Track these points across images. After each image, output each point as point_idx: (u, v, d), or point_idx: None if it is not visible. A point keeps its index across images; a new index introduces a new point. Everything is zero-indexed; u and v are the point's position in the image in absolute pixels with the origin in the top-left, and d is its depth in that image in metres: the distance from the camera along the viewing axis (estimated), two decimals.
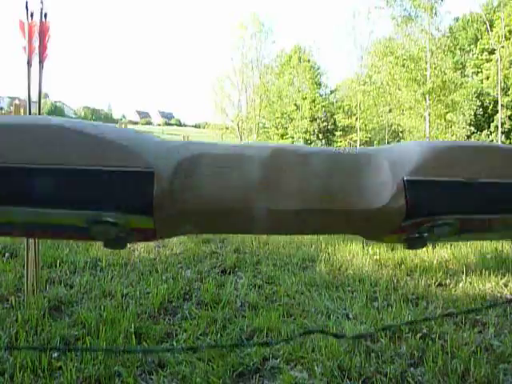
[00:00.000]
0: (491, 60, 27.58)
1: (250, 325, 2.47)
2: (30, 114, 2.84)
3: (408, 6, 20.93)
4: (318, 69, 35.83)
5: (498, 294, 3.14)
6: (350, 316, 2.68)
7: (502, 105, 23.26)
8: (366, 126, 27.49)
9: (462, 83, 21.82)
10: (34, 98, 2.78)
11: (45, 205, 0.52)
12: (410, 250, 4.44)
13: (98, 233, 0.54)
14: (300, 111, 33.36)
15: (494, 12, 26.08)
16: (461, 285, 3.33)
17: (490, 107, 28.99)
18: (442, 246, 4.73)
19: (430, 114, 20.53)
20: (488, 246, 4.73)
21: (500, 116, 22.72)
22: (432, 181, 0.59)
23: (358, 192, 0.59)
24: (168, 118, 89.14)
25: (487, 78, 28.75)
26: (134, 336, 2.25)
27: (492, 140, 26.03)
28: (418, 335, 2.36)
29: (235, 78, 33.95)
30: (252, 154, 0.58)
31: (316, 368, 2.02)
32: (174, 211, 0.55)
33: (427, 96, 20.33)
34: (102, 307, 2.65)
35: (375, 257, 4.22)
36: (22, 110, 3.22)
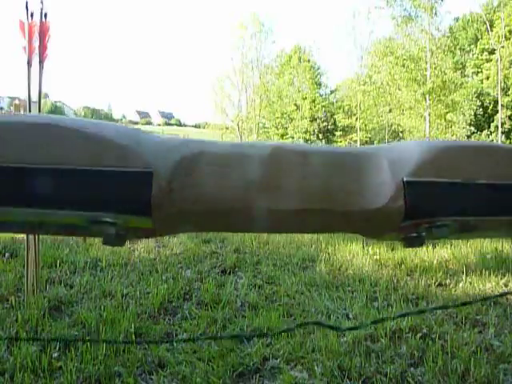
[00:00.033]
0: (491, 60, 27.59)
1: (250, 325, 2.47)
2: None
3: (408, 6, 20.93)
4: (318, 69, 35.82)
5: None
6: (350, 316, 2.68)
7: (502, 105, 23.24)
8: (366, 125, 27.48)
9: (462, 83, 21.83)
10: (34, 98, 2.79)
11: (43, 206, 0.52)
12: (411, 250, 4.44)
13: (97, 232, 0.54)
14: (300, 111, 33.34)
15: (494, 12, 26.07)
16: (461, 285, 3.33)
17: (490, 107, 28.99)
18: (442, 245, 4.73)
19: (430, 114, 20.54)
20: (488, 246, 4.73)
21: (500, 116, 22.71)
22: (431, 182, 0.59)
23: (358, 192, 0.58)
24: (168, 118, 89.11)
25: (487, 78, 28.75)
26: (134, 336, 2.25)
27: (492, 140, 26.01)
28: (418, 335, 2.36)
29: (235, 77, 33.93)
30: (252, 153, 0.58)
31: (316, 368, 2.02)
32: (173, 211, 0.55)
33: (427, 96, 20.33)
34: (102, 307, 2.65)
35: (375, 257, 4.22)
36: (21, 110, 3.22)
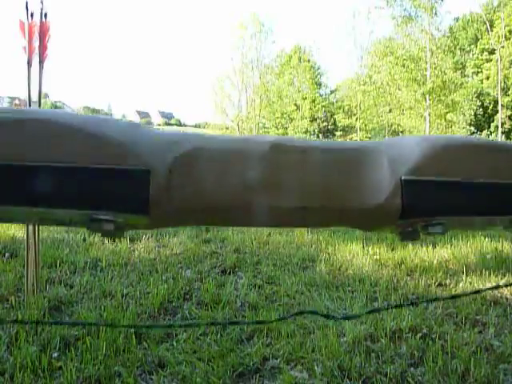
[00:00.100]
0: (491, 60, 27.59)
1: (250, 325, 2.47)
2: None
3: (408, 6, 20.94)
4: (318, 69, 35.83)
5: (498, 294, 3.14)
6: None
7: (501, 105, 23.25)
8: (365, 125, 27.48)
9: (462, 83, 21.82)
10: (34, 97, 2.78)
11: (40, 204, 0.52)
12: (411, 250, 4.45)
13: (96, 228, 0.54)
14: (300, 111, 33.33)
15: (494, 12, 26.07)
16: (461, 285, 3.33)
17: (490, 107, 29.00)
18: (442, 246, 4.73)
19: (430, 114, 20.55)
20: (488, 246, 4.74)
21: (500, 116, 22.72)
22: (429, 181, 0.59)
23: (356, 189, 0.59)
24: (168, 118, 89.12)
25: (487, 78, 28.76)
26: (133, 336, 2.25)
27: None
28: (418, 335, 2.36)
29: (235, 77, 33.93)
30: (251, 149, 0.58)
31: (316, 368, 2.02)
32: (171, 209, 0.54)
33: (427, 96, 20.34)
34: (102, 307, 2.65)
35: (375, 257, 4.22)
36: None
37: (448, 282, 3.44)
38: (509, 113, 27.24)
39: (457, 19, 31.93)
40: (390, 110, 23.50)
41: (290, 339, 2.30)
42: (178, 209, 0.55)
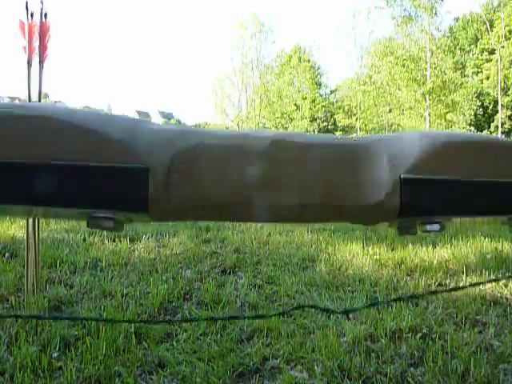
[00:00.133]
0: (491, 60, 27.60)
1: (250, 325, 2.47)
2: None
3: (408, 6, 20.95)
4: (318, 69, 35.84)
5: (498, 294, 3.14)
6: (350, 316, 2.68)
7: (501, 105, 23.27)
8: (366, 126, 27.49)
9: (462, 83, 21.83)
10: (34, 97, 2.78)
11: (40, 203, 0.52)
12: (411, 250, 4.45)
13: (96, 225, 0.54)
14: (300, 111, 33.36)
15: (494, 12, 26.08)
16: (461, 285, 3.33)
17: (490, 107, 29.00)
18: (442, 246, 4.73)
19: (430, 114, 20.56)
20: (488, 246, 4.74)
21: (500, 116, 22.74)
22: (429, 179, 0.59)
23: (355, 187, 0.58)
24: (168, 118, 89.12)
25: (487, 78, 28.76)
26: (133, 336, 2.25)
27: None
28: (418, 335, 2.36)
29: (235, 77, 33.96)
30: (251, 145, 0.57)
31: (316, 368, 2.02)
32: (171, 206, 0.54)
33: (427, 96, 20.35)
34: (102, 307, 2.65)
35: (375, 257, 4.22)
36: None
37: (448, 281, 3.44)
38: (509, 113, 27.24)
39: (457, 19, 31.94)
40: (390, 110, 23.51)
41: (290, 339, 2.30)
42: (178, 206, 0.55)
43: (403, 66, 20.67)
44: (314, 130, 33.46)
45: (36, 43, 2.71)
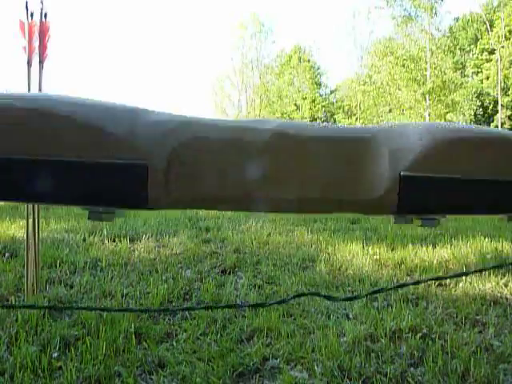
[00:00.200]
0: (491, 60, 27.60)
1: (250, 325, 2.47)
2: None
3: (408, 6, 20.96)
4: (318, 69, 35.85)
5: (498, 294, 3.14)
6: (350, 316, 2.68)
7: (501, 105, 23.27)
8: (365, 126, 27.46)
9: (462, 83, 21.84)
10: None
11: (40, 201, 0.52)
12: (411, 250, 4.45)
13: (97, 218, 0.54)
14: (300, 111, 33.35)
15: (494, 12, 26.08)
16: (461, 285, 3.33)
17: (490, 107, 29.00)
18: (442, 246, 4.73)
19: (429, 114, 20.56)
20: (488, 246, 4.74)
21: (500, 116, 22.74)
22: (428, 177, 0.59)
23: (354, 182, 0.58)
24: None
25: (487, 78, 28.77)
26: (133, 336, 2.25)
27: None
28: (418, 335, 2.36)
29: (235, 78, 33.97)
30: (251, 138, 0.57)
31: (316, 368, 2.02)
32: (170, 200, 0.54)
33: (427, 96, 20.36)
34: (102, 307, 2.65)
35: (375, 257, 4.22)
36: None
37: (448, 281, 3.44)
38: (509, 113, 27.25)
39: (457, 19, 31.95)
40: (390, 110, 23.51)
41: (290, 339, 2.30)
42: (178, 199, 0.54)
43: (403, 66, 20.67)
44: None
45: (36, 43, 2.71)
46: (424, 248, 4.57)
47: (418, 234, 5.36)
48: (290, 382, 1.92)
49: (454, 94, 20.53)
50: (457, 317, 2.69)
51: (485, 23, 25.92)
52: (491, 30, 25.16)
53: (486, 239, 5.06)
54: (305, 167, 0.57)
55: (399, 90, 21.35)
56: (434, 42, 20.82)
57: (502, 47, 22.75)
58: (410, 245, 4.72)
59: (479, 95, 28.36)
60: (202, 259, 4.00)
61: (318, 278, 3.45)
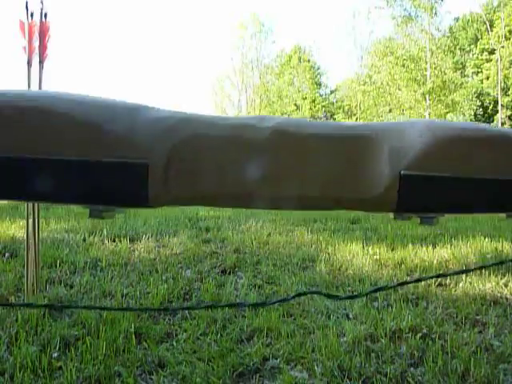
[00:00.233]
0: (491, 60, 27.60)
1: (250, 325, 2.47)
2: None
3: (408, 6, 20.96)
4: (318, 69, 35.85)
5: (498, 294, 3.14)
6: (350, 316, 2.68)
7: (501, 105, 23.27)
8: None
9: (462, 83, 21.84)
10: None
11: (40, 200, 0.52)
12: (411, 250, 4.44)
13: (97, 216, 0.54)
14: (300, 111, 33.34)
15: (494, 12, 26.08)
16: (461, 285, 3.33)
17: (490, 107, 28.99)
18: (442, 246, 4.73)
19: (430, 114, 20.55)
20: (488, 246, 4.74)
21: (500, 116, 22.74)
22: (428, 176, 0.59)
23: (354, 180, 0.58)
24: None
25: (487, 78, 28.76)
26: (133, 336, 2.25)
27: None
28: (418, 335, 2.36)
29: (235, 78, 33.97)
30: (251, 135, 0.56)
31: (316, 368, 2.02)
32: (171, 198, 0.54)
33: (427, 96, 20.36)
34: (102, 306, 2.65)
35: (375, 257, 4.22)
36: None
37: (448, 281, 3.44)
38: (509, 113, 27.24)
39: (457, 19, 31.95)
40: (390, 110, 23.51)
41: (290, 339, 2.30)
42: (178, 196, 0.54)
43: (403, 66, 20.67)
44: None
45: (36, 43, 2.71)
46: (424, 248, 4.57)
47: (418, 234, 5.36)
48: (290, 382, 1.92)
49: (454, 94, 20.52)
50: (457, 317, 2.69)
51: (485, 23, 25.92)
52: (491, 30, 25.16)
53: (486, 239, 5.06)
54: (305, 164, 0.57)
55: (399, 90, 21.35)
56: (434, 42, 20.83)
57: (502, 47, 22.75)
58: (410, 245, 4.72)
59: (479, 95, 28.35)
60: (202, 259, 4.00)
61: (318, 278, 3.45)
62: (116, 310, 2.30)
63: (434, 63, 20.53)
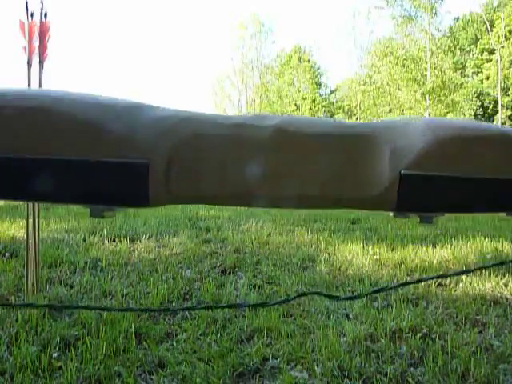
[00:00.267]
0: (491, 60, 27.59)
1: (250, 325, 2.47)
2: None
3: (408, 6, 20.96)
4: (318, 69, 35.84)
5: (498, 294, 3.14)
6: (350, 316, 2.68)
7: (501, 105, 23.28)
8: None
9: (462, 83, 21.84)
10: None
11: (40, 199, 0.52)
12: (411, 250, 4.44)
13: (98, 215, 0.54)
14: (300, 111, 33.33)
15: (494, 12, 26.07)
16: (461, 285, 3.33)
17: (490, 107, 28.98)
18: (442, 246, 4.73)
19: (430, 114, 20.55)
20: (488, 246, 4.74)
21: (500, 116, 22.74)
22: (429, 176, 0.58)
23: (355, 179, 0.58)
24: None
25: (487, 78, 28.76)
26: (133, 336, 2.25)
27: None
28: (418, 335, 2.36)
29: (235, 78, 33.98)
30: (251, 134, 0.56)
31: (316, 368, 2.02)
32: (171, 197, 0.54)
33: (427, 96, 20.36)
34: (102, 306, 2.65)
35: (375, 257, 4.22)
36: None
37: (448, 281, 3.44)
38: (509, 113, 27.23)
39: (457, 19, 31.94)
40: (390, 110, 23.50)
41: (290, 339, 2.30)
42: (178, 196, 0.54)
43: (403, 65, 20.67)
44: None
45: (36, 43, 2.71)
46: (424, 248, 4.57)
47: (418, 234, 5.36)
48: (290, 382, 1.92)
49: (454, 94, 20.52)
50: (457, 317, 2.69)
51: (485, 23, 25.92)
52: (491, 30, 25.16)
53: (486, 239, 5.06)
54: (305, 164, 0.57)
55: (399, 90, 21.35)
56: (434, 42, 20.82)
57: (502, 47, 22.75)
58: (410, 245, 4.72)
59: (479, 95, 28.34)
60: (202, 259, 4.00)
61: (318, 278, 3.45)
62: (116, 311, 2.30)
63: (434, 63, 20.53)
